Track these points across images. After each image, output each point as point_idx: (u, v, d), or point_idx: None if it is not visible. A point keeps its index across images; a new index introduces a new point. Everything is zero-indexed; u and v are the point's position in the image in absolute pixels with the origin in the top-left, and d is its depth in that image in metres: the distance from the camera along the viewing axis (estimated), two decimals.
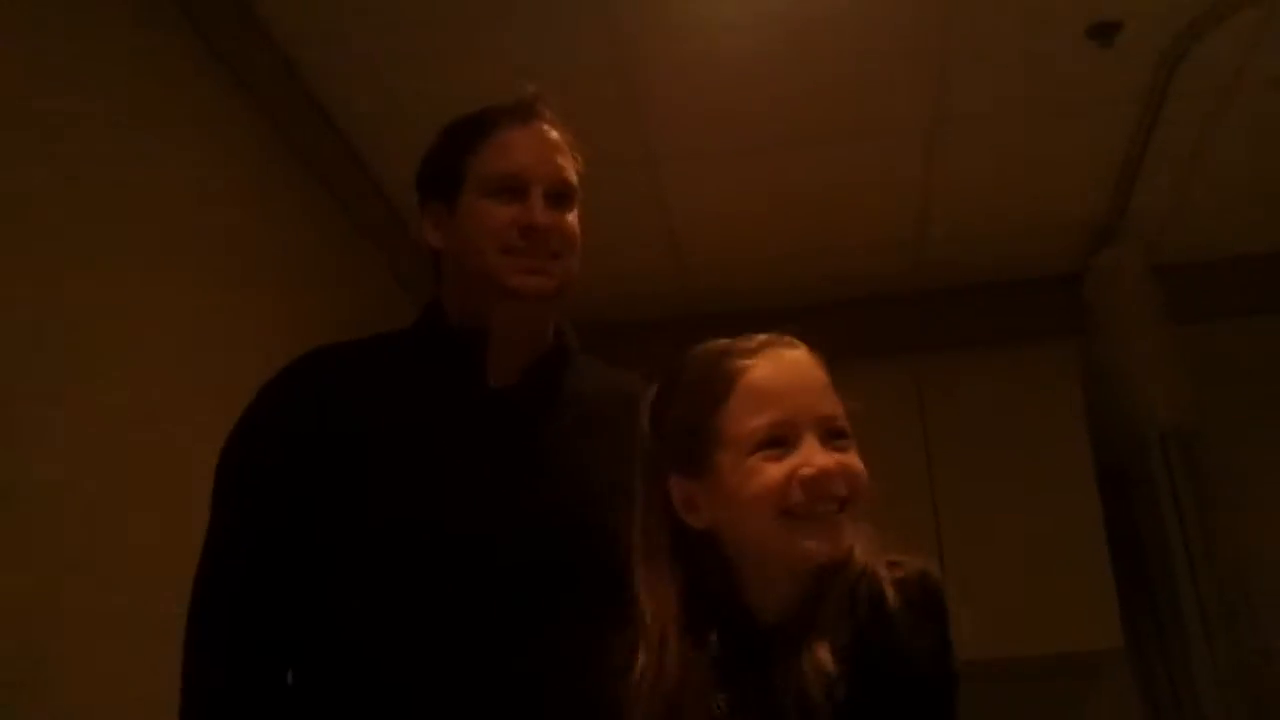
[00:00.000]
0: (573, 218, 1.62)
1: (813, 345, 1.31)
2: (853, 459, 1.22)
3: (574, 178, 1.63)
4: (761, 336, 1.30)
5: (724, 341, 1.31)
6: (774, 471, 1.19)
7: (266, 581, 1.50)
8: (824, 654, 1.14)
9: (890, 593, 1.17)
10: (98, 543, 2.09)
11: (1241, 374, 4.19)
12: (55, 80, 2.15)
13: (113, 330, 2.24)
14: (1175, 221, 4.03)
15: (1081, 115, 3.42)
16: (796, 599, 1.21)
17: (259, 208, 2.95)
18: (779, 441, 1.20)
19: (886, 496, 4.00)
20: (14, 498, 1.90)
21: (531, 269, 1.55)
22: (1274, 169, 3.75)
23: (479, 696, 1.41)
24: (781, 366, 1.25)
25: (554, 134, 1.63)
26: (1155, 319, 3.98)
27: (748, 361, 1.25)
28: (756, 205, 3.84)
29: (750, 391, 1.23)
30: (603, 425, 1.52)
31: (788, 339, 1.30)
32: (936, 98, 3.29)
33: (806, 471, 1.18)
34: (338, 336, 1.71)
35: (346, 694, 1.46)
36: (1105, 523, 4.00)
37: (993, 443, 4.10)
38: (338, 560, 1.49)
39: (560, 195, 1.60)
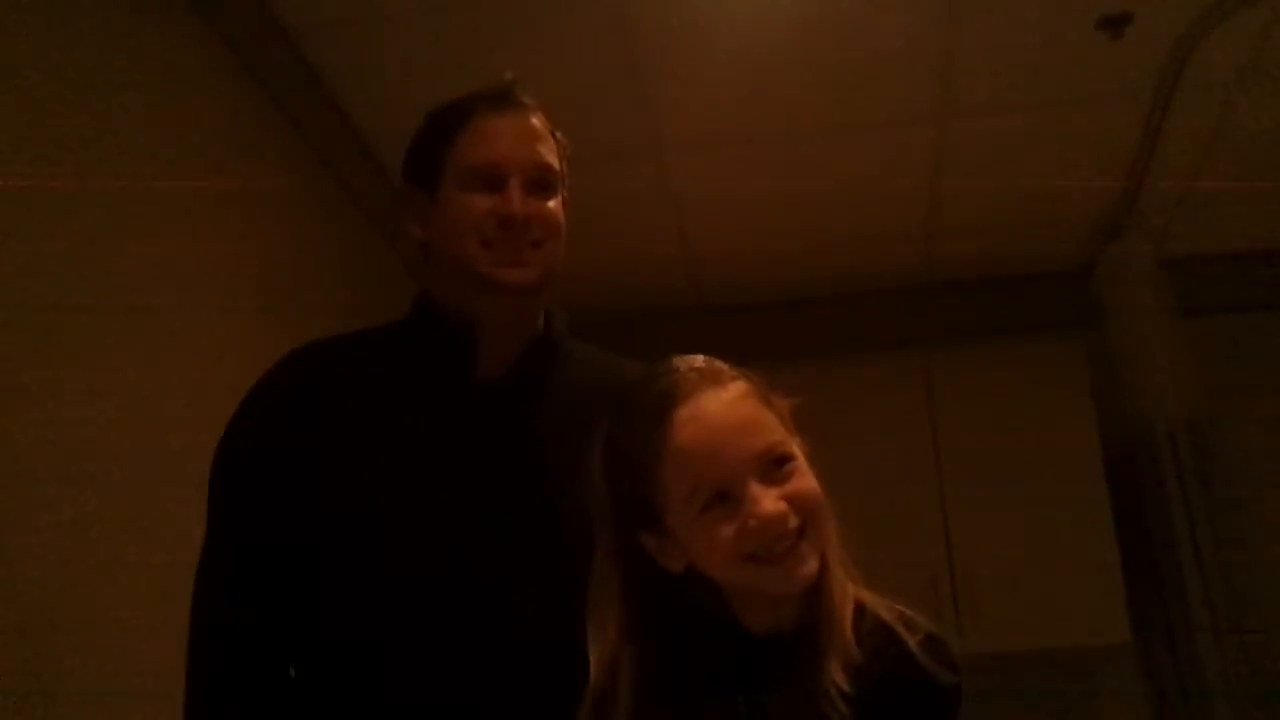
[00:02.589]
0: (555, 204, 1.58)
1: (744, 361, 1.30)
2: (797, 485, 1.23)
3: (555, 163, 1.60)
4: (684, 375, 1.27)
5: (647, 394, 1.28)
6: (725, 531, 1.21)
7: (263, 580, 1.50)
8: (839, 672, 1.18)
9: (914, 646, 1.21)
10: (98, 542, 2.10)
11: (1250, 367, 4.18)
12: (47, 49, 2.12)
13: (114, 330, 2.23)
14: (1185, 215, 4.02)
15: (1091, 108, 3.41)
16: (790, 616, 1.26)
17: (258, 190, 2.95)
18: (722, 498, 1.22)
19: (895, 489, 4.00)
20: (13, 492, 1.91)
21: (510, 261, 1.53)
22: None
23: (464, 693, 1.43)
24: (702, 426, 1.23)
25: (532, 120, 1.60)
26: (1164, 312, 3.97)
27: (669, 430, 1.23)
28: (764, 197, 3.82)
29: (679, 461, 1.23)
30: (593, 414, 1.50)
31: (712, 371, 1.28)
32: (945, 90, 3.28)
33: (753, 524, 1.20)
34: (347, 323, 1.71)
35: (344, 688, 1.47)
36: (1113, 516, 4.00)
37: (1001, 436, 4.09)
38: (329, 559, 1.49)
39: (541, 183, 1.57)
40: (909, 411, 4.20)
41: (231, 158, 2.77)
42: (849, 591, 1.26)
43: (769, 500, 1.21)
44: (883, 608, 1.26)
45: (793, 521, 1.21)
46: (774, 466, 1.23)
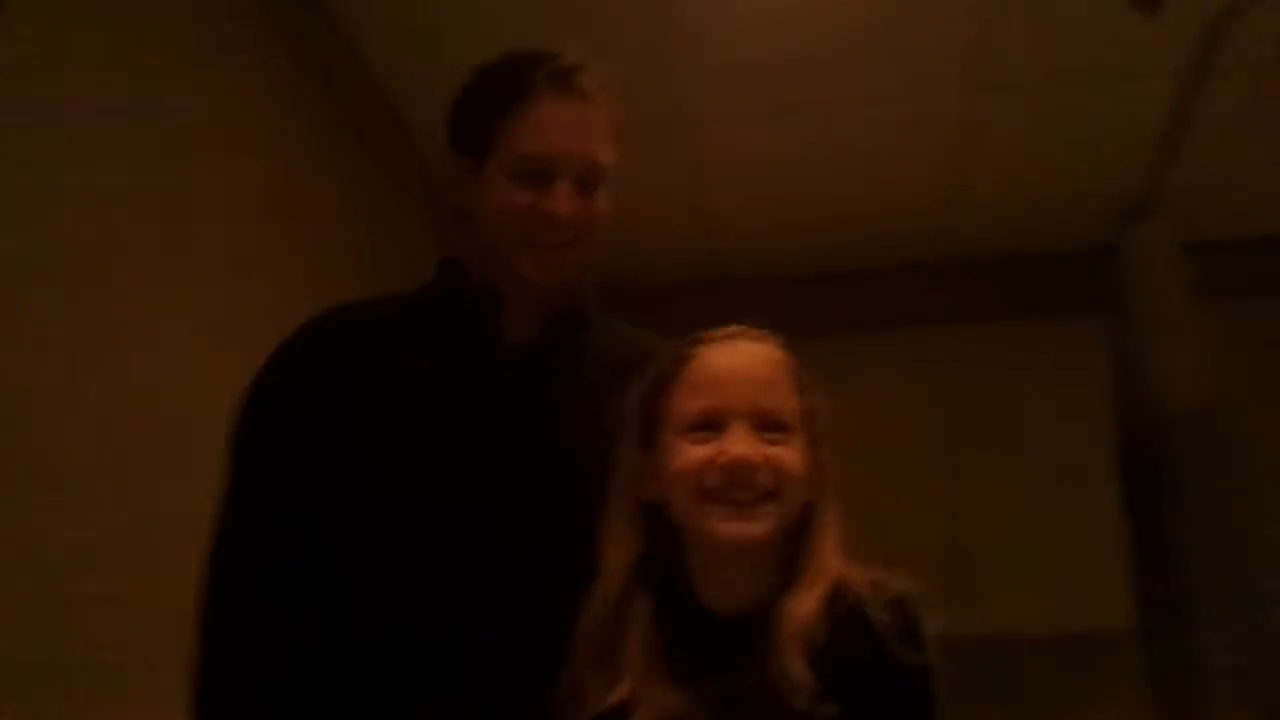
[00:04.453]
0: (600, 199, 1.56)
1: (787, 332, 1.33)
2: (782, 452, 1.25)
3: (607, 159, 1.57)
4: (735, 328, 1.34)
5: (693, 337, 1.34)
6: (695, 454, 1.25)
7: (281, 543, 1.48)
8: (799, 663, 1.16)
9: (877, 613, 1.19)
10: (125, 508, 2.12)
11: (1268, 353, 4.15)
12: (88, 24, 2.13)
13: (138, 302, 2.24)
14: (1210, 198, 3.99)
15: (1121, 86, 3.37)
16: (749, 593, 1.25)
17: (288, 153, 2.94)
18: (709, 425, 1.25)
19: (906, 466, 3.98)
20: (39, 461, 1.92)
21: (544, 262, 1.52)
22: None
23: (484, 657, 1.42)
24: (730, 356, 1.29)
25: (591, 111, 1.56)
26: (1185, 295, 3.94)
27: (702, 349, 1.30)
28: (787, 169, 3.81)
29: (693, 376, 1.28)
30: (619, 385, 1.46)
31: (756, 332, 1.33)
32: (973, 63, 3.25)
33: (723, 459, 1.23)
34: (374, 288, 1.70)
35: (361, 651, 1.45)
36: (1125, 501, 3.98)
37: (1014, 417, 4.08)
38: (347, 523, 1.47)
39: (589, 180, 1.55)
40: (923, 390, 4.17)
41: (255, 118, 2.76)
42: (829, 574, 1.24)
43: (747, 443, 1.23)
44: (858, 578, 1.24)
45: (762, 478, 1.23)
46: (769, 427, 1.25)
